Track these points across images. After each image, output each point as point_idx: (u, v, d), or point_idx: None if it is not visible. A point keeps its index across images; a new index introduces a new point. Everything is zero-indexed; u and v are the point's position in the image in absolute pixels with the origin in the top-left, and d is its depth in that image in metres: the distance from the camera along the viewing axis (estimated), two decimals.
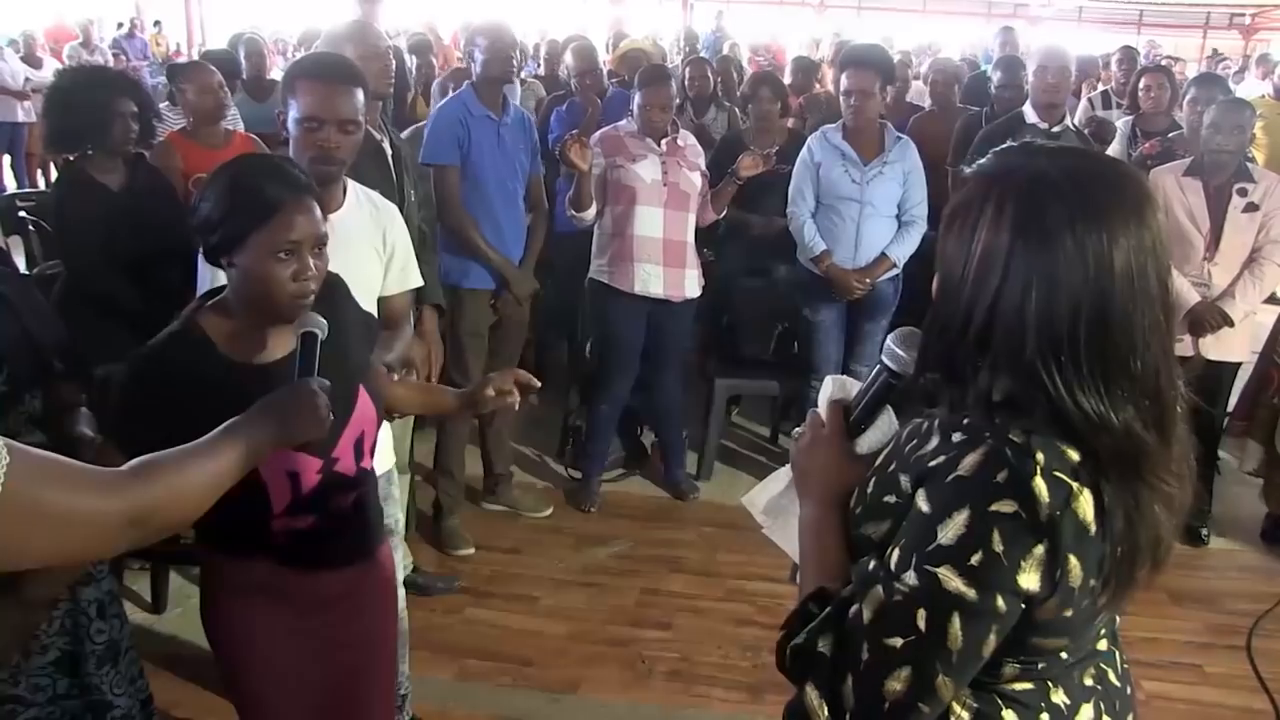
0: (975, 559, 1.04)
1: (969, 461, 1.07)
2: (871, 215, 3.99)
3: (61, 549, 1.14)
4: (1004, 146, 1.18)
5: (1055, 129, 3.93)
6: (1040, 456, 1.05)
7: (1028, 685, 1.18)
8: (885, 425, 1.32)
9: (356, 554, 1.95)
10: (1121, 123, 5.00)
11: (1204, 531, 4.01)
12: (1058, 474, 1.05)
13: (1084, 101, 5.96)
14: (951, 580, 1.05)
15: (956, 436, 1.11)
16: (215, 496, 1.31)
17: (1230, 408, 4.17)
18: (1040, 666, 1.17)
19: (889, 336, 1.30)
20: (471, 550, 3.84)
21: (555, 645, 3.30)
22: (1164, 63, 6.41)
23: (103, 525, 1.14)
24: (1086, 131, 4.28)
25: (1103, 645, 1.26)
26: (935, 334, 1.16)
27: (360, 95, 2.26)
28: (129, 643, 2.28)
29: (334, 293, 1.89)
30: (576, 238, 4.32)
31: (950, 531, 1.05)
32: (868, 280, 4.02)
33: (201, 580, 1.95)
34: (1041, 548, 1.04)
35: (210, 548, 1.87)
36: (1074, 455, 1.06)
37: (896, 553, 1.10)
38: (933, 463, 1.11)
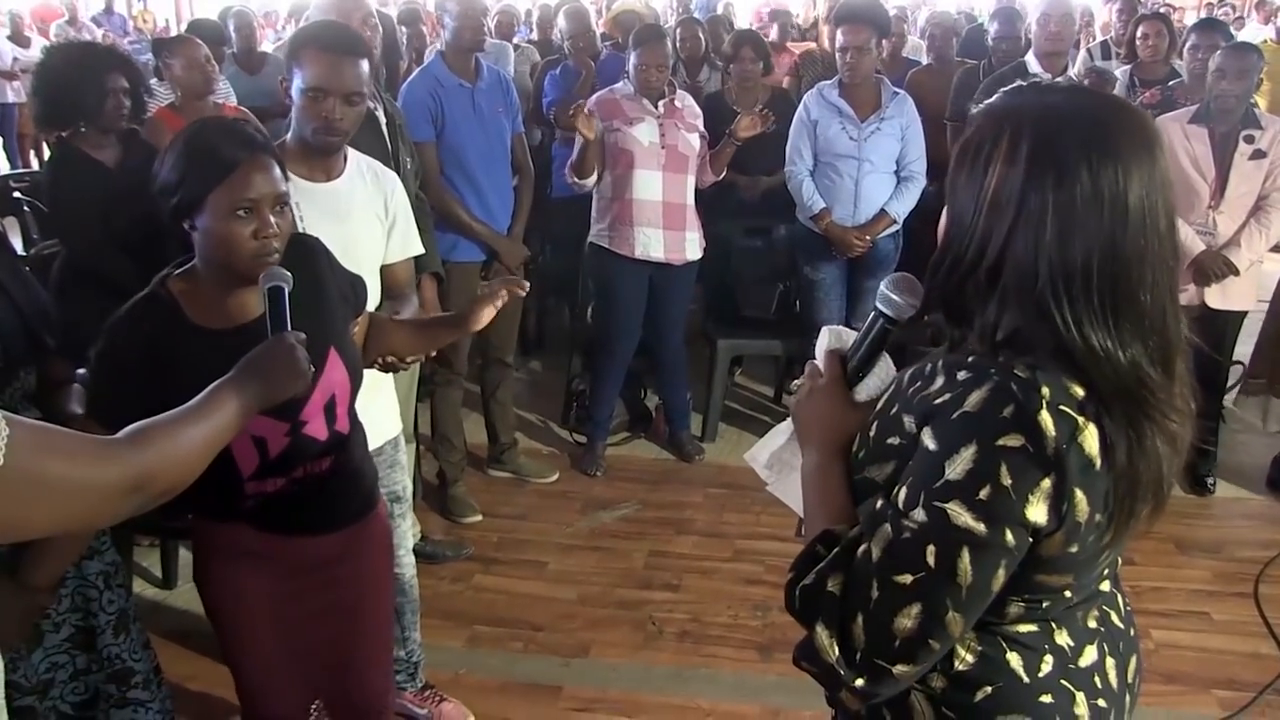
0: (984, 493, 1.04)
1: (975, 397, 1.06)
2: (870, 172, 3.96)
3: (65, 519, 1.15)
4: (1013, 86, 1.17)
5: (1058, 79, 3.87)
6: (1046, 391, 1.05)
7: (1031, 627, 1.18)
8: (883, 372, 1.32)
9: (339, 519, 1.95)
10: (1120, 72, 4.94)
11: (1210, 480, 4.01)
12: (1063, 408, 1.05)
13: (1083, 52, 5.89)
14: (960, 515, 1.05)
15: (962, 374, 1.10)
16: (209, 458, 1.31)
17: (1235, 357, 4.16)
18: (1044, 606, 1.17)
19: (883, 282, 1.29)
20: (478, 517, 3.85)
21: (565, 609, 3.31)
22: (1162, 10, 6.33)
23: (104, 493, 1.15)
24: (1085, 82, 4.22)
25: (1105, 587, 1.26)
26: (945, 272, 1.15)
27: (365, 66, 2.25)
28: (134, 614, 2.30)
29: (308, 254, 1.88)
30: (575, 202, 4.31)
31: (958, 467, 1.05)
32: (867, 237, 4.00)
33: (193, 544, 1.97)
34: (1049, 481, 1.04)
35: (195, 514, 1.89)
36: (1079, 390, 1.06)
37: (904, 490, 1.10)
38: (938, 400, 1.10)
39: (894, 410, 1.19)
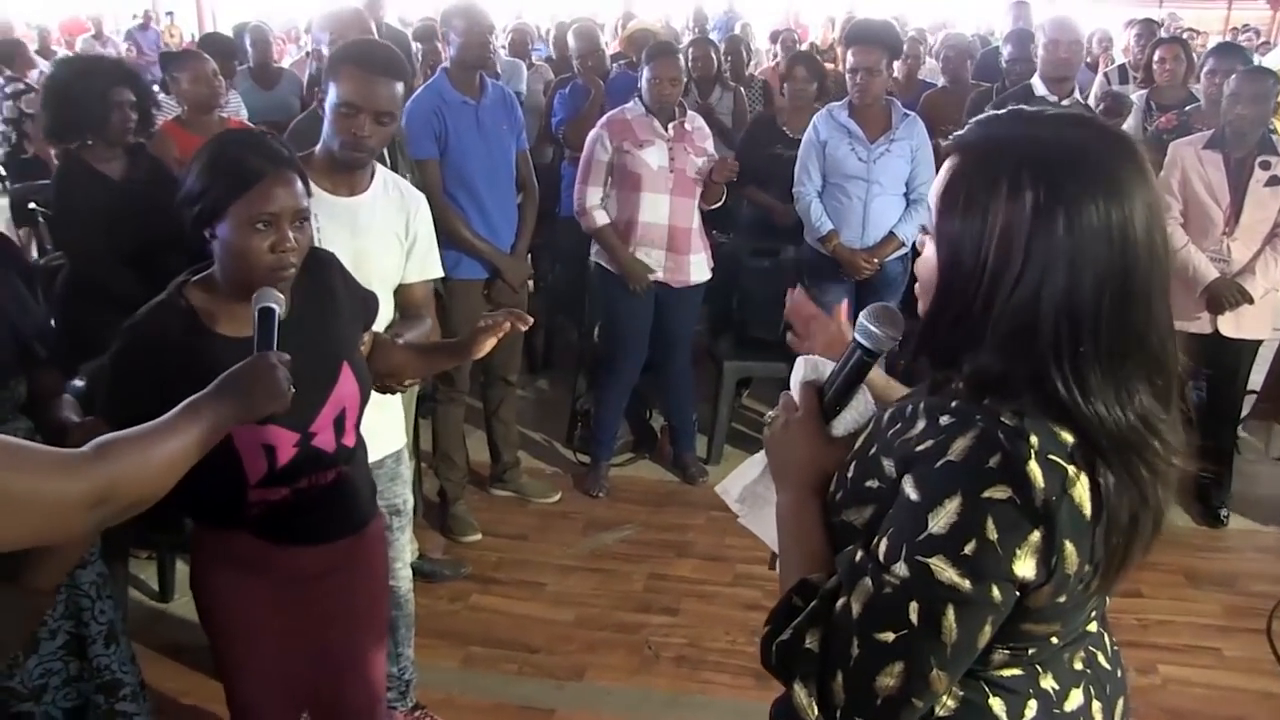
0: (969, 548, 0.99)
1: (959, 445, 1.01)
2: (879, 194, 3.92)
3: (28, 532, 1.14)
4: (990, 115, 1.11)
5: (1065, 102, 3.84)
6: (1034, 440, 1.00)
7: (1016, 671, 1.13)
8: (861, 406, 1.27)
9: (338, 531, 1.94)
10: (1136, 96, 4.90)
11: (1223, 511, 3.93)
12: (1053, 457, 1.00)
13: (1100, 76, 5.84)
14: (944, 571, 1.00)
15: (944, 419, 1.05)
16: (179, 473, 1.30)
17: (1250, 386, 4.09)
18: (1030, 652, 1.12)
19: (861, 313, 1.24)
20: (478, 536, 3.82)
21: (561, 631, 3.27)
22: (1184, 35, 6.28)
23: (66, 507, 1.14)
24: (1101, 106, 4.20)
25: (1093, 628, 1.21)
26: (946, 322, 1.09)
27: (400, 88, 2.28)
28: (122, 627, 2.30)
29: (322, 268, 1.90)
30: (578, 221, 4.29)
31: (942, 520, 1.00)
32: (876, 260, 3.96)
33: (191, 551, 1.97)
34: (1037, 534, 0.99)
35: (195, 520, 1.90)
36: (1068, 437, 1.02)
37: (884, 542, 1.05)
38: (920, 447, 1.05)
39: (872, 451, 1.14)
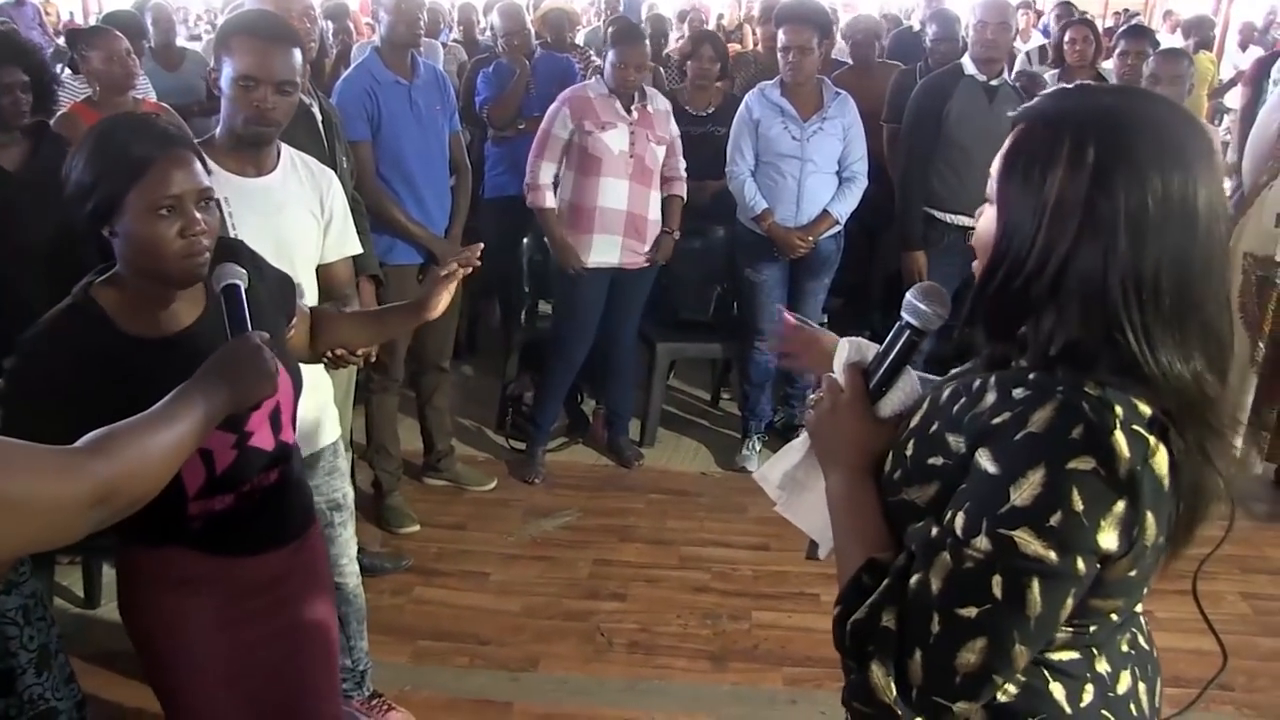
0: (1054, 519, 0.98)
1: (1039, 417, 1.01)
2: (813, 172, 3.93)
3: (25, 539, 1.06)
4: (1061, 88, 1.11)
5: (994, 82, 3.91)
6: (1119, 410, 1.00)
7: (1074, 654, 1.14)
8: (908, 386, 1.26)
9: (282, 535, 1.84)
10: (1049, 76, 5.02)
11: None
12: (1136, 428, 1.00)
13: (1022, 55, 5.98)
14: (1030, 543, 0.99)
15: (1018, 392, 1.05)
16: (176, 467, 1.23)
17: None
18: (1091, 631, 1.13)
19: (909, 292, 1.23)
20: (416, 528, 3.74)
21: (510, 622, 3.22)
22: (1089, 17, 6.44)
23: (67, 509, 1.06)
24: (1019, 84, 4.27)
25: (1139, 608, 1.22)
26: (999, 286, 1.09)
27: (298, 55, 2.17)
28: (58, 645, 2.15)
29: (234, 256, 1.75)
30: (506, 202, 4.21)
31: (1025, 492, 0.99)
32: (810, 238, 3.97)
33: (118, 574, 1.80)
34: (1121, 505, 0.99)
35: (124, 538, 1.75)
36: (1146, 409, 1.02)
37: (961, 517, 1.04)
38: (995, 420, 1.04)
39: (934, 428, 1.13)
